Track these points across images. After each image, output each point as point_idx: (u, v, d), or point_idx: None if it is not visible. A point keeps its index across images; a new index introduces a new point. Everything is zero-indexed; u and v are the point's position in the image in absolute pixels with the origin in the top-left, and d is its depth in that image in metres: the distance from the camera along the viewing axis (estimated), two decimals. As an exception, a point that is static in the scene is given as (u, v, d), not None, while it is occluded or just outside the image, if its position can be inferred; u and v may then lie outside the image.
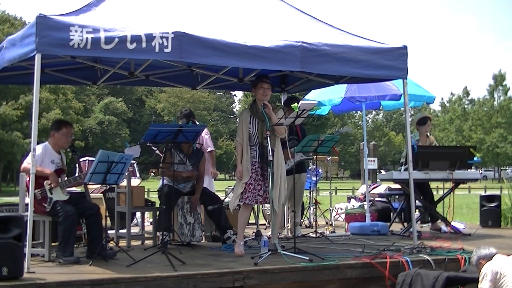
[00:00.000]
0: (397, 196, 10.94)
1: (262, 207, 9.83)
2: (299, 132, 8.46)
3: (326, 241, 8.18)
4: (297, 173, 8.09)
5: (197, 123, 9.17)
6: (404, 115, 8.15)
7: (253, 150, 6.97)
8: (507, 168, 70.70)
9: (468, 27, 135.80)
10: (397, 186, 10.29)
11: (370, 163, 11.39)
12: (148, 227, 9.01)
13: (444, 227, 9.35)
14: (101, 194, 8.80)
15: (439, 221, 9.46)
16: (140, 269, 5.81)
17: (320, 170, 11.41)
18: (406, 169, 8.13)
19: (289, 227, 8.83)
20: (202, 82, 9.12)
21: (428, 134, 9.65)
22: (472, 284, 5.77)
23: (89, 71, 8.36)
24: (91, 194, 7.62)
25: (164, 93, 68.16)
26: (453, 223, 9.38)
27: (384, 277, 6.32)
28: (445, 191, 9.65)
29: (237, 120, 7.53)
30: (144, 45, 5.88)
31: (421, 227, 9.65)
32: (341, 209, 11.91)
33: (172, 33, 5.98)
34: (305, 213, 10.63)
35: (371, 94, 9.55)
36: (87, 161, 10.00)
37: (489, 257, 5.68)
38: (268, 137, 6.68)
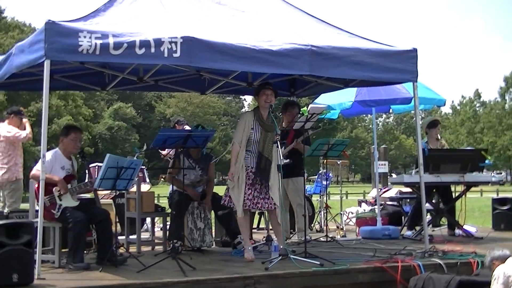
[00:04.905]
0: (408, 200, 10.87)
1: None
2: (291, 135, 8.33)
3: (337, 245, 8.13)
4: (293, 176, 8.07)
5: None
6: (414, 118, 8.10)
7: (249, 156, 6.89)
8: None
9: (476, 29, 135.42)
10: (408, 189, 10.24)
11: (381, 167, 11.35)
12: (158, 233, 8.99)
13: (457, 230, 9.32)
14: (111, 200, 8.80)
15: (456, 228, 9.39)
16: (150, 275, 5.79)
17: (330, 174, 11.37)
18: (417, 172, 8.08)
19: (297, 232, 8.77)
20: (211, 87, 9.11)
21: (439, 136, 9.59)
22: (485, 288, 5.72)
23: (98, 77, 8.38)
24: (101, 200, 7.62)
25: (173, 98, 68.25)
26: (465, 227, 9.31)
27: (395, 281, 6.27)
28: (457, 194, 9.58)
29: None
30: (153, 50, 5.87)
31: (433, 230, 9.59)
32: (352, 213, 11.86)
33: (181, 37, 5.96)
34: (315, 217, 10.59)
35: (381, 97, 9.47)
36: (96, 167, 9.99)
37: (503, 259, 5.60)
38: (277, 141, 6.65)
